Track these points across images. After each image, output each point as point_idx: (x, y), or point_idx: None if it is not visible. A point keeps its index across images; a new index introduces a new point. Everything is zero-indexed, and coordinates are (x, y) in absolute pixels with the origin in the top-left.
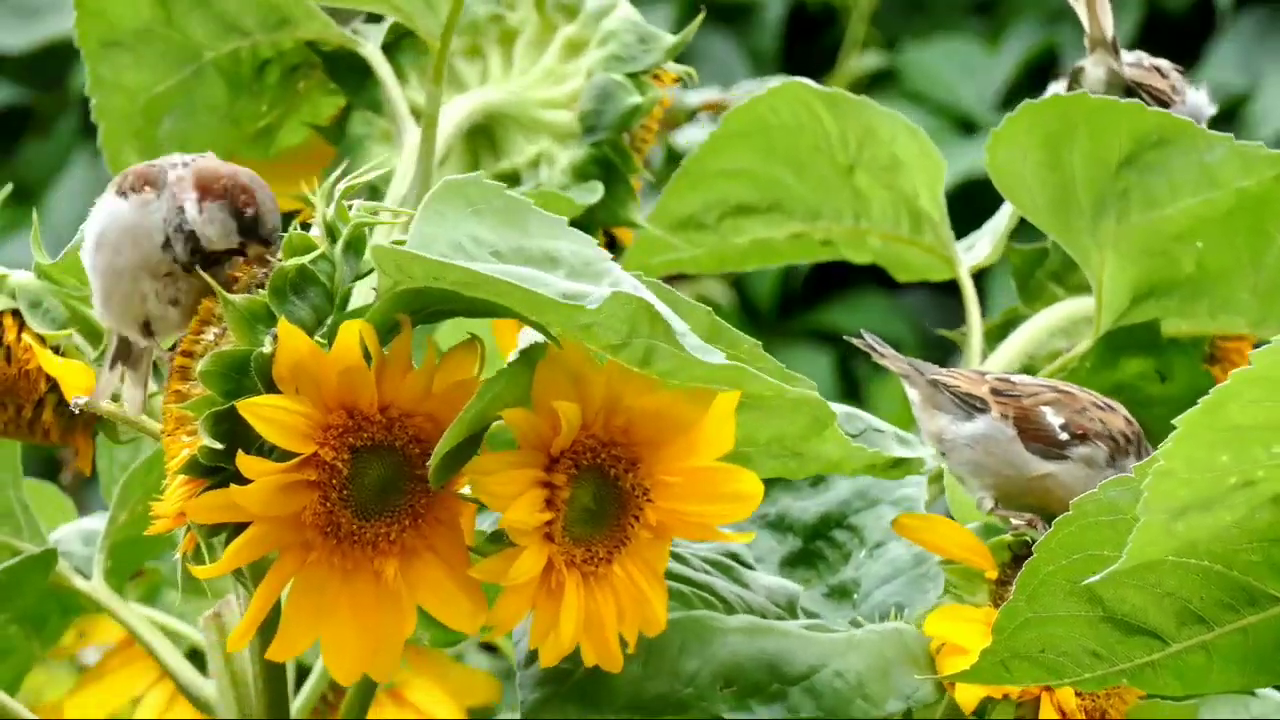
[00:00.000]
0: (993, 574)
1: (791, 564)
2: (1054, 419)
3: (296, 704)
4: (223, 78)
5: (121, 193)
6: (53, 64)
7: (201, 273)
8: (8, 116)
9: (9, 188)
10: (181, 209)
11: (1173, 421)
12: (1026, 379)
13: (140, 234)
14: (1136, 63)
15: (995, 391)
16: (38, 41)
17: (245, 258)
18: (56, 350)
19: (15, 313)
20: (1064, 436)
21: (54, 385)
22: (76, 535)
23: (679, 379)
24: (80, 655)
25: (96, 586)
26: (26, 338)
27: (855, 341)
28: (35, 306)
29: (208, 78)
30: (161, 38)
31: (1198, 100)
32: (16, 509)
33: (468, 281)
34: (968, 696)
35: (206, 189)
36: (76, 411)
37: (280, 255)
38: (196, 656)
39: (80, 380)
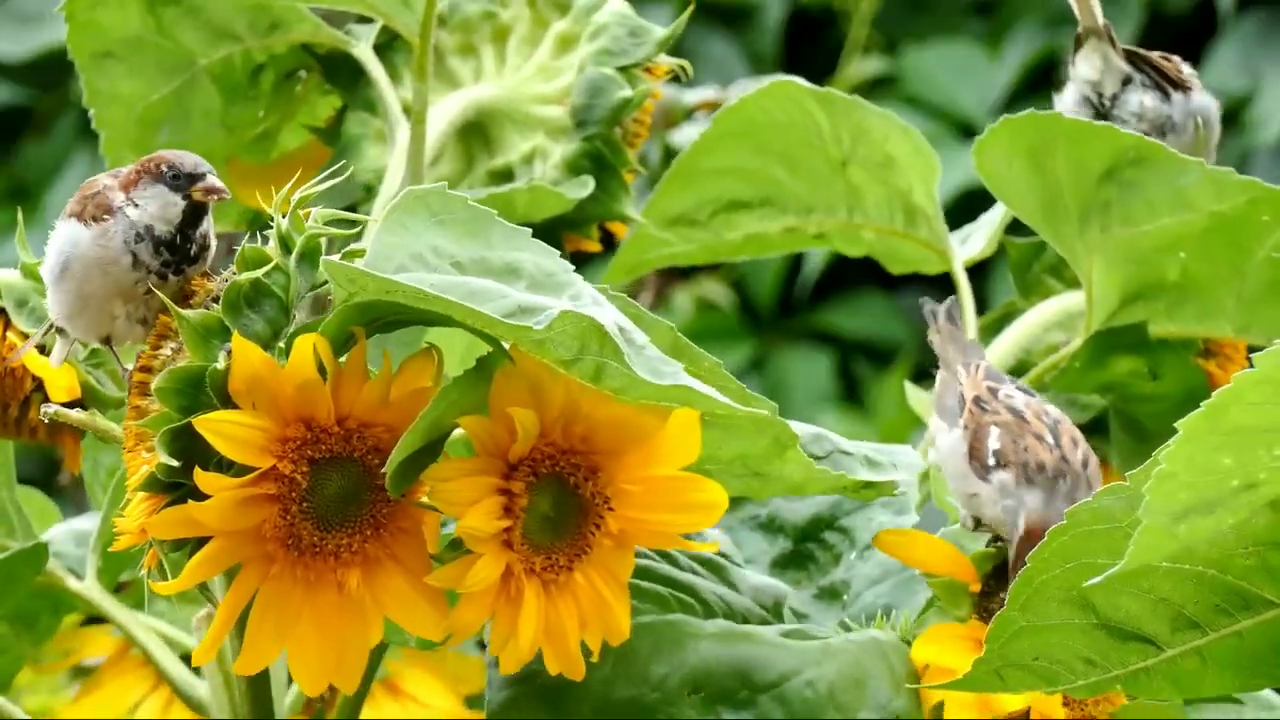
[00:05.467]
0: (976, 587)
1: (782, 565)
2: (993, 443)
3: (287, 701)
4: (217, 84)
5: (82, 220)
6: (53, 66)
7: (156, 287)
8: (8, 116)
9: None
10: (128, 216)
11: (1175, 425)
12: (1010, 392)
13: (107, 262)
14: (1135, 50)
15: (977, 400)
16: (39, 49)
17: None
18: (42, 349)
19: (1, 311)
20: (991, 461)
21: (40, 384)
22: (68, 536)
23: (629, 396)
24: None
25: (90, 586)
26: (12, 336)
27: (925, 306)
28: (21, 305)
29: (202, 85)
30: (153, 46)
31: (1205, 101)
32: (9, 509)
33: (418, 296)
34: (958, 715)
35: (128, 183)
36: (46, 420)
37: (235, 268)
38: (189, 661)
39: (64, 380)
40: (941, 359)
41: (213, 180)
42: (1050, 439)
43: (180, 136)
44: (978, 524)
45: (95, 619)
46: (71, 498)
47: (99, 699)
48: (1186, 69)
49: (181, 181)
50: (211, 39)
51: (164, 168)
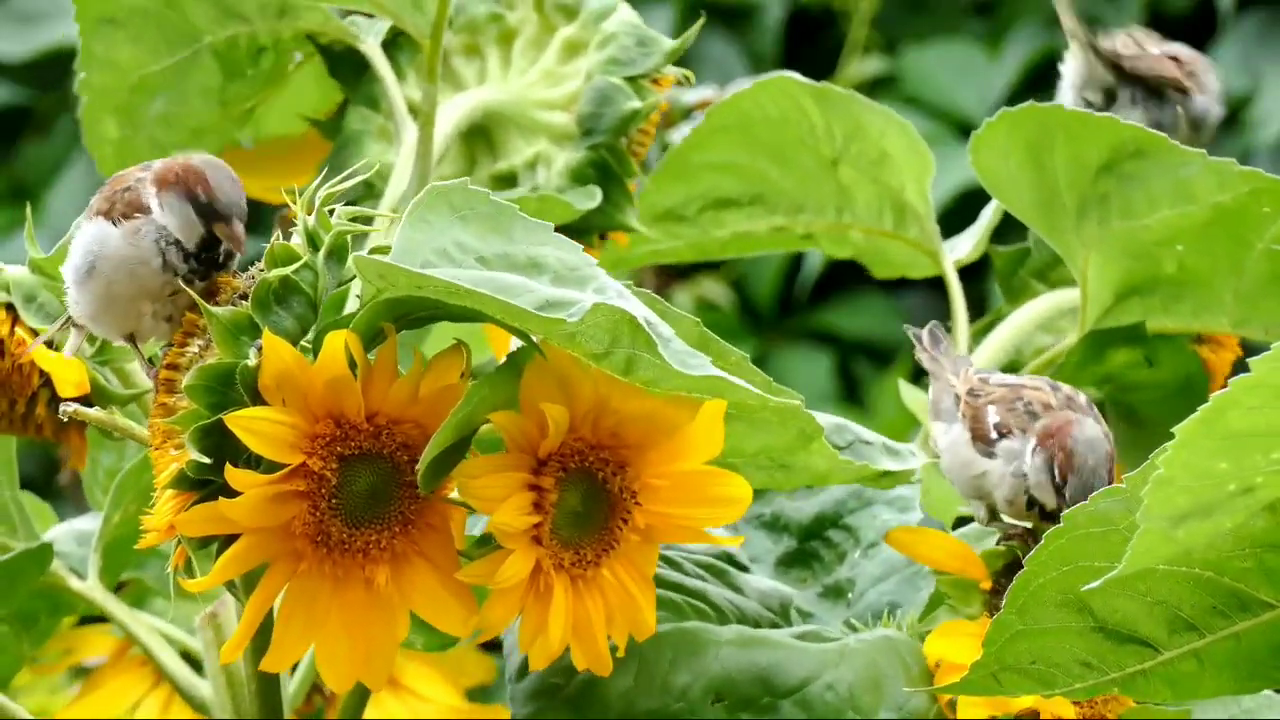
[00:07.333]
0: (986, 584)
1: (787, 564)
2: (993, 418)
3: (287, 697)
4: (219, 62)
5: (110, 219)
6: (53, 66)
7: (185, 287)
8: (8, 116)
9: None
10: (157, 221)
11: (1171, 430)
12: (1002, 378)
13: (137, 263)
14: (1138, 51)
15: (970, 391)
16: (39, 49)
17: (226, 248)
18: (50, 345)
19: (9, 307)
20: (994, 435)
21: (47, 380)
22: (70, 535)
23: (661, 388)
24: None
25: (92, 586)
26: (20, 332)
27: (909, 332)
28: (29, 301)
29: (204, 61)
30: (160, 18)
31: (1203, 103)
32: (11, 509)
33: (449, 290)
34: (970, 714)
35: (163, 182)
36: (65, 420)
37: (263, 265)
38: (189, 661)
39: (73, 375)
40: (931, 373)
41: (237, 228)
42: (1049, 388)
43: (175, 109)
44: (992, 515)
45: (92, 619)
46: (71, 498)
47: (98, 699)
48: (1186, 56)
49: (208, 213)
50: (221, 17)
51: (199, 190)
